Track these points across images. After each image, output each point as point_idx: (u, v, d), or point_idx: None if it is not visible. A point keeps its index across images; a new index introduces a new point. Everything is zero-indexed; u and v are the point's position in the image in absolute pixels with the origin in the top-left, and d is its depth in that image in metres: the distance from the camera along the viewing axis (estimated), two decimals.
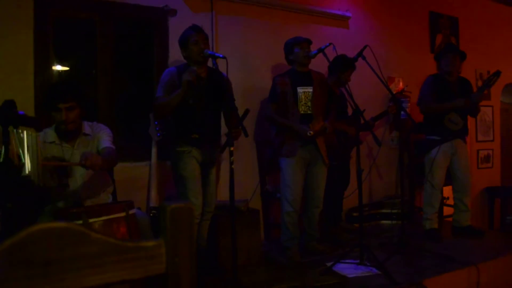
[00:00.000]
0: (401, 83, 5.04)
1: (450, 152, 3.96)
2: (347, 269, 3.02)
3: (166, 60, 3.65)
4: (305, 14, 4.41)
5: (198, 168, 2.99)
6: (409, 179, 4.90)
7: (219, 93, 2.99)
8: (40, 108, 3.05)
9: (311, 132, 3.27)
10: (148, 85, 3.70)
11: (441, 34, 5.55)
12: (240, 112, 2.80)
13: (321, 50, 3.21)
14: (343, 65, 3.85)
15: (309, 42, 3.44)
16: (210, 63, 2.97)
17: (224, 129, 3.10)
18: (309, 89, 3.39)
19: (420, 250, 3.46)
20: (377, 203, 4.73)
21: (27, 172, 1.87)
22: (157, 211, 3.13)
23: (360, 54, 3.30)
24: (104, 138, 2.60)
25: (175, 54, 3.43)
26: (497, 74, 3.85)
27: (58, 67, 3.39)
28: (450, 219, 4.37)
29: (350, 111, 4.01)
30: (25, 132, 1.86)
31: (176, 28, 3.53)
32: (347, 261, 3.09)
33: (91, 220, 2.07)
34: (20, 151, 1.84)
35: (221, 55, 2.75)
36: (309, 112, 3.37)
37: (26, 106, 2.98)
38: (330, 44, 3.17)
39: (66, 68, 3.48)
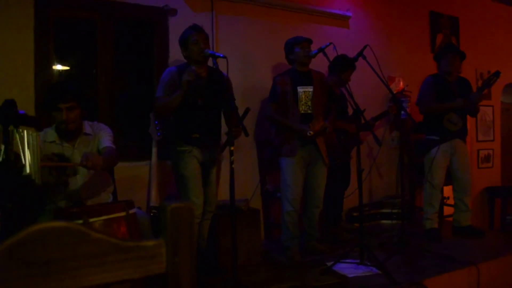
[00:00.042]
0: (401, 83, 5.03)
1: (450, 152, 3.96)
2: (347, 268, 3.02)
3: (166, 60, 3.65)
4: (306, 13, 4.41)
5: (198, 167, 3.00)
6: (409, 179, 4.90)
7: (220, 92, 2.99)
8: (41, 108, 3.05)
9: (311, 132, 3.27)
10: (148, 85, 3.70)
11: (441, 33, 5.55)
12: (240, 111, 2.81)
13: (321, 50, 3.21)
14: (343, 65, 3.85)
15: (309, 41, 3.44)
16: (210, 62, 2.97)
17: (224, 128, 3.10)
18: (310, 89, 3.39)
19: (420, 250, 3.46)
20: (377, 203, 4.73)
21: (27, 172, 1.87)
22: (158, 211, 3.13)
23: (360, 53, 3.30)
24: (105, 137, 2.61)
25: (176, 53, 3.43)
26: (497, 74, 3.85)
27: (58, 67, 3.39)
28: (450, 218, 4.37)
29: (350, 111, 4.02)
30: (25, 132, 1.86)
31: (176, 27, 3.53)
32: (347, 260, 3.09)
33: (91, 220, 2.07)
34: (21, 150, 1.84)
35: (221, 55, 2.76)
36: (309, 111, 3.37)
37: (27, 105, 2.99)
38: (330, 43, 3.17)
39: (67, 68, 3.48)
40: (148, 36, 3.70)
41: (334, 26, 4.62)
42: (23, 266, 0.59)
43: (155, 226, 2.64)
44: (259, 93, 3.98)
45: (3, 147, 1.76)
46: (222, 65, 2.73)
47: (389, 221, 4.57)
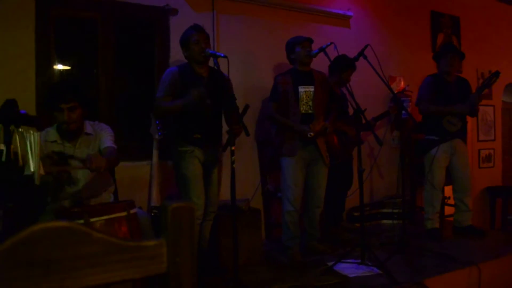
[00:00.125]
0: (402, 83, 5.03)
1: (450, 152, 3.96)
2: (348, 268, 3.02)
3: (167, 59, 3.65)
4: (307, 13, 4.41)
5: (200, 168, 2.99)
6: (410, 179, 4.89)
7: (221, 92, 2.99)
8: (42, 107, 3.06)
9: (312, 134, 3.26)
10: (149, 85, 3.70)
11: (442, 33, 5.54)
12: (240, 109, 2.80)
13: (322, 49, 3.20)
14: (343, 65, 3.85)
15: (310, 41, 3.44)
16: (211, 62, 2.97)
17: (225, 128, 3.10)
18: (311, 89, 3.39)
19: (421, 249, 3.46)
20: (378, 203, 4.73)
21: (29, 171, 1.87)
22: (158, 211, 3.13)
23: (361, 53, 3.30)
24: (106, 137, 2.61)
25: (176, 53, 3.43)
26: (496, 74, 3.85)
27: (59, 66, 3.39)
28: (451, 218, 4.37)
29: (351, 111, 4.01)
30: (26, 132, 1.86)
31: (177, 27, 3.53)
32: (348, 260, 3.09)
33: (92, 220, 2.08)
34: (22, 150, 1.85)
35: (222, 54, 2.76)
36: (310, 111, 3.37)
37: (28, 105, 2.99)
38: (331, 43, 3.17)
39: (68, 67, 3.48)
40: (149, 35, 3.70)
41: (335, 25, 4.62)
42: (24, 266, 0.59)
43: (156, 226, 2.64)
44: (260, 93, 3.98)
45: (4, 147, 1.77)
46: (223, 64, 2.73)
47: (390, 221, 4.57)
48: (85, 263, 0.63)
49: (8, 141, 1.78)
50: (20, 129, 1.83)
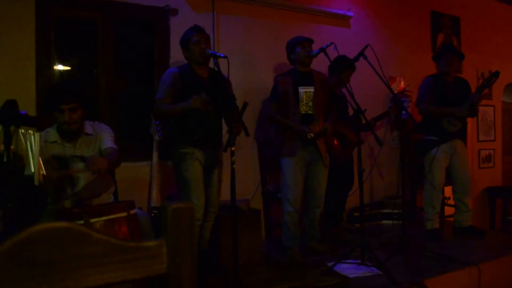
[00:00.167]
0: (402, 83, 5.03)
1: (450, 153, 3.96)
2: (348, 269, 3.02)
3: (167, 60, 3.65)
4: (307, 13, 4.41)
5: (201, 169, 2.99)
6: (410, 179, 4.89)
7: (221, 93, 2.99)
8: (42, 108, 3.06)
9: (312, 135, 3.26)
10: (149, 85, 3.70)
11: (442, 33, 5.54)
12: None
13: (322, 50, 3.20)
14: (342, 66, 3.85)
15: (310, 41, 3.44)
16: (211, 64, 2.97)
17: (225, 129, 3.10)
18: (311, 89, 3.39)
19: (421, 250, 3.46)
20: (378, 203, 4.73)
21: (29, 172, 1.87)
22: (158, 211, 3.13)
23: (361, 53, 3.30)
24: (107, 138, 2.62)
25: (176, 53, 3.43)
26: (496, 74, 3.85)
27: (59, 67, 3.39)
28: (451, 219, 4.37)
29: (351, 111, 4.01)
30: (26, 132, 1.86)
31: (177, 27, 3.54)
32: (348, 261, 3.09)
33: (92, 220, 2.08)
34: (22, 151, 1.85)
35: (222, 55, 2.76)
36: (310, 112, 3.37)
37: (28, 105, 2.99)
38: (331, 43, 3.16)
39: (68, 68, 3.49)
40: (149, 36, 3.70)
41: (335, 26, 4.62)
42: (24, 267, 0.59)
43: (156, 226, 2.64)
44: (260, 93, 3.98)
45: (4, 147, 1.77)
46: (223, 65, 2.73)
47: (390, 222, 4.57)
48: (85, 264, 0.63)
49: (8, 142, 1.78)
50: (20, 130, 1.84)
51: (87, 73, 3.61)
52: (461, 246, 3.68)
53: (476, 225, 4.29)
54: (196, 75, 2.99)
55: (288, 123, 3.35)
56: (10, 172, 1.80)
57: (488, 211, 5.83)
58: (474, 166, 5.68)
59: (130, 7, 3.52)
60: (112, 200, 2.75)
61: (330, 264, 3.09)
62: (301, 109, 3.36)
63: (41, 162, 1.92)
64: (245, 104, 2.70)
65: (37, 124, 2.12)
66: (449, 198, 4.72)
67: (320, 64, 3.66)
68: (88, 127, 2.62)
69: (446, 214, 4.77)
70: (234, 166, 2.58)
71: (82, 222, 2.03)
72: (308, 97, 3.38)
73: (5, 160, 1.76)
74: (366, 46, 3.28)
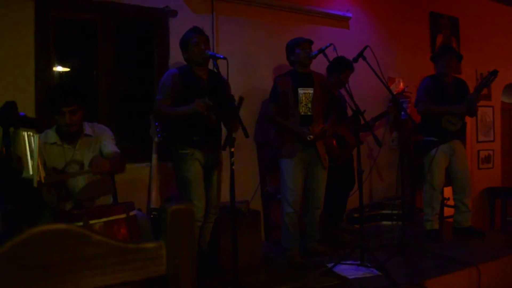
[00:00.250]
0: (401, 84, 5.03)
1: (449, 153, 3.96)
2: (348, 270, 3.02)
3: (166, 61, 3.65)
4: (306, 14, 4.42)
5: (201, 170, 2.99)
6: (410, 180, 4.90)
7: (220, 94, 2.99)
8: (42, 110, 3.06)
9: (311, 137, 3.27)
10: (148, 86, 3.71)
11: (441, 34, 5.55)
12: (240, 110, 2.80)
13: (321, 51, 3.21)
14: (341, 66, 3.85)
15: (310, 42, 3.44)
16: (210, 65, 2.98)
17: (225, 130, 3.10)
18: (310, 90, 3.39)
19: (420, 251, 3.46)
20: (378, 204, 4.73)
21: (27, 174, 1.87)
22: (158, 213, 3.13)
23: (360, 54, 3.30)
24: (108, 141, 2.62)
25: (176, 55, 3.43)
26: (494, 73, 3.85)
27: (59, 68, 3.39)
28: (451, 219, 4.37)
29: (350, 112, 4.01)
30: (26, 134, 1.86)
31: (176, 29, 3.54)
32: (347, 262, 3.08)
33: (91, 222, 2.07)
34: (21, 152, 1.84)
35: (221, 56, 2.76)
36: (309, 113, 3.37)
37: (27, 107, 2.98)
38: (330, 44, 3.17)
39: (67, 69, 3.49)
40: (149, 37, 3.71)
41: (334, 27, 4.63)
42: (23, 269, 0.59)
43: (155, 228, 2.64)
44: (260, 94, 3.98)
45: (3, 149, 1.76)
46: (222, 66, 2.73)
47: (389, 222, 4.57)
48: (85, 266, 0.63)
49: (7, 143, 1.78)
50: (19, 131, 1.83)
51: (86, 75, 3.61)
52: (460, 247, 3.68)
53: (476, 225, 4.29)
54: (196, 77, 2.99)
55: (287, 125, 3.35)
56: (10, 174, 1.80)
57: (488, 211, 5.83)
58: (474, 167, 5.68)
59: (129, 9, 3.52)
60: (112, 202, 2.75)
61: (329, 265, 3.09)
62: (300, 110, 3.36)
63: (40, 164, 1.92)
64: (241, 99, 2.70)
65: (36, 125, 2.12)
66: (448, 199, 4.72)
67: (319, 65, 3.67)
68: (88, 128, 2.62)
69: (445, 215, 4.77)
70: (233, 167, 2.58)
71: (81, 223, 2.03)
72: (307, 99, 3.38)
73: (4, 162, 1.75)
74: (365, 47, 3.29)
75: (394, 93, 4.17)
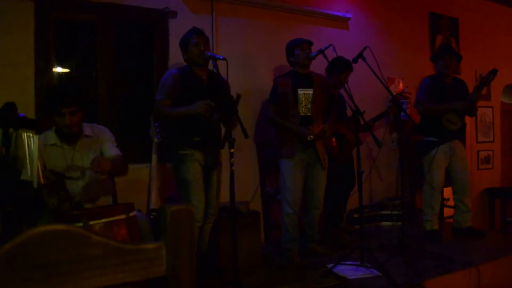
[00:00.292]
0: (401, 84, 5.04)
1: (449, 153, 3.96)
2: (348, 270, 3.02)
3: (166, 62, 3.65)
4: (306, 15, 4.42)
5: (200, 171, 2.99)
6: (410, 181, 4.90)
7: (220, 95, 2.99)
8: (42, 112, 3.06)
9: (311, 137, 3.27)
10: (148, 87, 3.71)
11: (441, 35, 5.55)
12: (240, 112, 2.80)
13: (321, 52, 3.21)
14: (340, 66, 3.86)
15: (309, 43, 3.44)
16: (210, 66, 2.98)
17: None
18: (310, 91, 3.40)
19: (420, 251, 3.46)
20: (377, 205, 4.73)
21: (27, 174, 1.87)
22: (158, 213, 3.13)
23: (360, 55, 3.30)
24: (110, 144, 2.63)
25: (176, 56, 3.44)
26: (494, 72, 3.85)
27: (58, 69, 3.39)
28: (450, 220, 4.37)
29: (349, 112, 4.01)
30: (25, 135, 1.86)
31: (176, 30, 3.54)
32: (347, 262, 3.08)
33: (91, 223, 2.07)
34: (20, 153, 1.85)
35: (221, 57, 2.76)
36: (308, 114, 3.37)
37: (27, 108, 2.98)
38: (330, 45, 3.17)
39: (67, 70, 3.49)
40: (148, 38, 3.71)
41: (334, 27, 4.63)
42: (24, 269, 0.59)
43: (155, 228, 2.64)
44: (259, 95, 3.99)
45: (3, 150, 1.76)
46: (222, 67, 2.73)
47: (389, 223, 4.57)
48: (85, 266, 0.63)
49: (7, 144, 1.78)
50: (19, 132, 1.83)
51: (86, 75, 3.61)
52: (460, 247, 3.68)
53: (476, 226, 4.29)
54: (196, 77, 2.99)
55: (287, 125, 3.35)
56: (9, 175, 1.80)
57: (488, 212, 5.83)
58: (473, 167, 5.68)
59: (129, 10, 3.52)
60: (111, 202, 2.75)
61: (329, 265, 3.09)
62: (300, 111, 3.37)
63: (40, 166, 1.92)
64: (239, 96, 2.73)
65: (36, 126, 2.12)
66: (448, 199, 4.73)
67: (318, 66, 3.67)
68: (87, 129, 2.62)
69: (445, 215, 4.77)
70: (233, 168, 2.58)
71: (81, 224, 2.03)
72: (307, 99, 3.38)
73: (3, 163, 1.76)
74: (364, 48, 3.29)
75: (394, 93, 4.17)
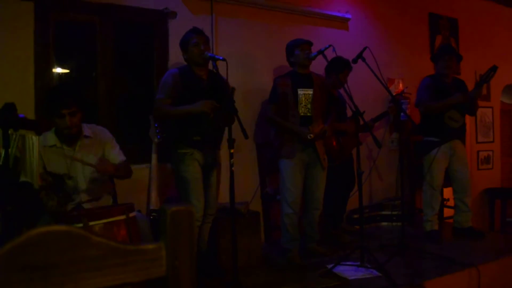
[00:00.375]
0: (401, 85, 5.04)
1: (449, 153, 3.96)
2: (348, 271, 3.02)
3: (166, 62, 3.65)
4: (305, 16, 4.42)
5: (200, 170, 2.99)
6: (409, 181, 4.90)
7: (220, 95, 3.00)
8: (42, 113, 3.06)
9: (311, 136, 3.27)
10: (148, 87, 3.71)
11: (440, 35, 5.56)
12: (240, 113, 2.80)
13: (321, 52, 3.21)
14: (340, 66, 3.86)
15: (309, 44, 3.45)
16: (210, 65, 2.98)
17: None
18: (310, 91, 3.40)
19: (420, 251, 3.46)
20: (377, 205, 4.73)
21: (27, 175, 1.87)
22: (157, 214, 3.13)
23: (359, 55, 3.30)
24: (114, 150, 2.65)
25: (175, 56, 3.44)
26: (494, 69, 3.85)
27: (58, 70, 3.39)
28: (450, 220, 4.37)
29: (349, 112, 4.01)
30: (25, 136, 1.86)
31: (176, 30, 3.54)
32: (347, 263, 3.08)
33: (91, 223, 2.07)
34: (20, 154, 1.84)
35: (221, 58, 2.76)
36: (308, 114, 3.37)
37: (27, 109, 2.98)
38: (330, 45, 3.17)
39: (67, 71, 3.49)
40: (148, 39, 3.71)
41: (333, 28, 4.63)
42: (23, 270, 0.59)
43: (155, 229, 2.64)
44: (259, 95, 3.99)
45: (3, 151, 1.76)
46: (222, 67, 2.74)
47: (389, 223, 4.57)
48: (84, 267, 0.63)
49: (6, 145, 1.78)
50: (19, 133, 1.83)
51: (86, 76, 3.61)
52: (460, 247, 3.67)
53: (476, 226, 4.29)
54: (196, 77, 3.00)
55: (287, 125, 3.35)
56: (9, 175, 1.80)
57: (487, 212, 5.83)
58: (473, 168, 5.68)
59: (129, 10, 3.52)
60: (111, 203, 2.75)
61: (329, 266, 3.09)
62: (300, 111, 3.37)
63: (39, 167, 1.92)
64: (233, 89, 2.75)
65: (36, 127, 2.12)
66: (448, 199, 4.73)
67: (318, 66, 3.67)
68: (86, 129, 2.61)
69: (445, 215, 4.77)
70: (233, 168, 2.58)
71: (81, 225, 2.03)
72: (307, 99, 3.39)
73: (3, 163, 1.75)
74: (364, 48, 3.29)
75: (394, 94, 4.17)
